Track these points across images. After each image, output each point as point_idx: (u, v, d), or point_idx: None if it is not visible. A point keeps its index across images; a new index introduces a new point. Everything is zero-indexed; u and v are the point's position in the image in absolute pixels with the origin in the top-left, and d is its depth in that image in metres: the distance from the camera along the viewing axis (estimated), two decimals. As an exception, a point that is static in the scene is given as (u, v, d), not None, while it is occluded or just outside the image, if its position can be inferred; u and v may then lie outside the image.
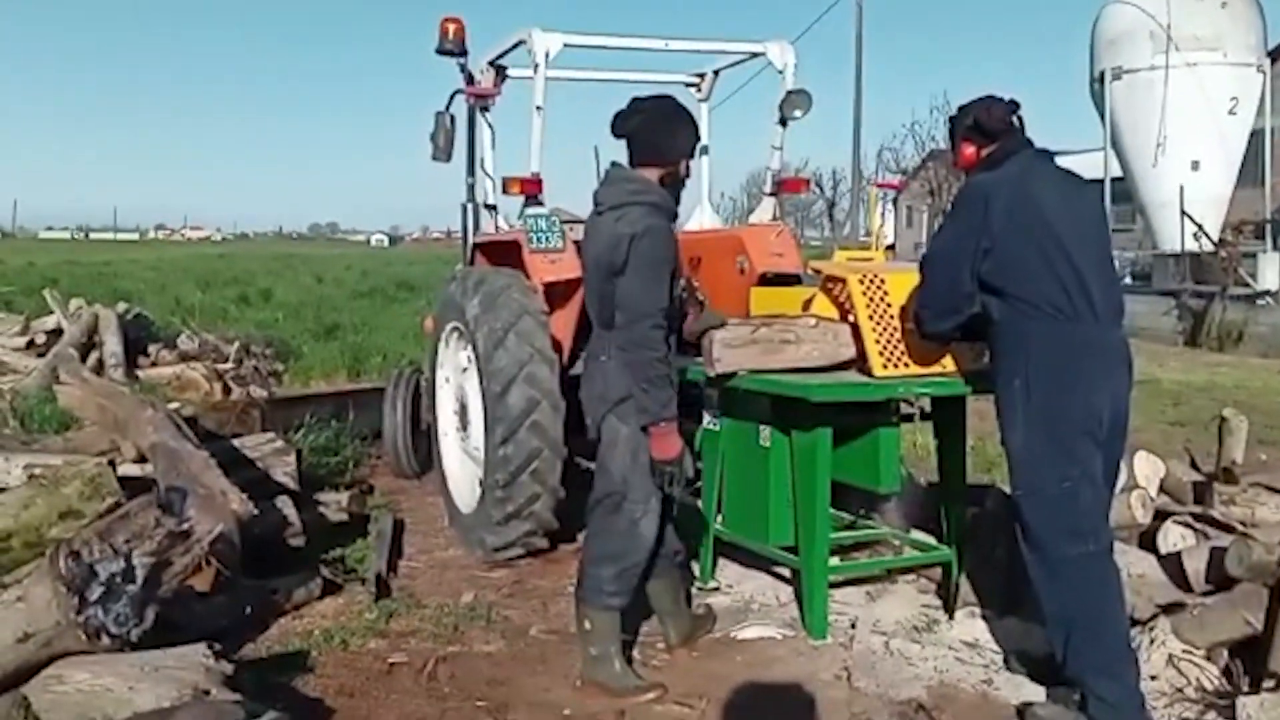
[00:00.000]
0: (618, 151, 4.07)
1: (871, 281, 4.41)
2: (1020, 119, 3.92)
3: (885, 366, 4.28)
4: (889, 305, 4.36)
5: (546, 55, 5.52)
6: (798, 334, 4.38)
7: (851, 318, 4.42)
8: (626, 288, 3.81)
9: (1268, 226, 19.11)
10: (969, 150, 3.94)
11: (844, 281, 4.47)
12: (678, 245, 4.02)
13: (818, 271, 4.77)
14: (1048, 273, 3.61)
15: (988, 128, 3.88)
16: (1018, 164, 3.79)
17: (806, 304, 4.66)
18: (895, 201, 49.25)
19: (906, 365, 4.30)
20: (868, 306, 4.35)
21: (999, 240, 3.65)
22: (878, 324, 4.33)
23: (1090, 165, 19.95)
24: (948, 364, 4.35)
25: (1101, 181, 19.02)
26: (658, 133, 3.98)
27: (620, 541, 4.00)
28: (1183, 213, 18.25)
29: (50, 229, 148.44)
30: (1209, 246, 17.98)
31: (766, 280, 5.55)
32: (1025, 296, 3.64)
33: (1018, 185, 3.72)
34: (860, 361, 4.38)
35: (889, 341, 4.31)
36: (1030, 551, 3.69)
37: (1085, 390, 3.60)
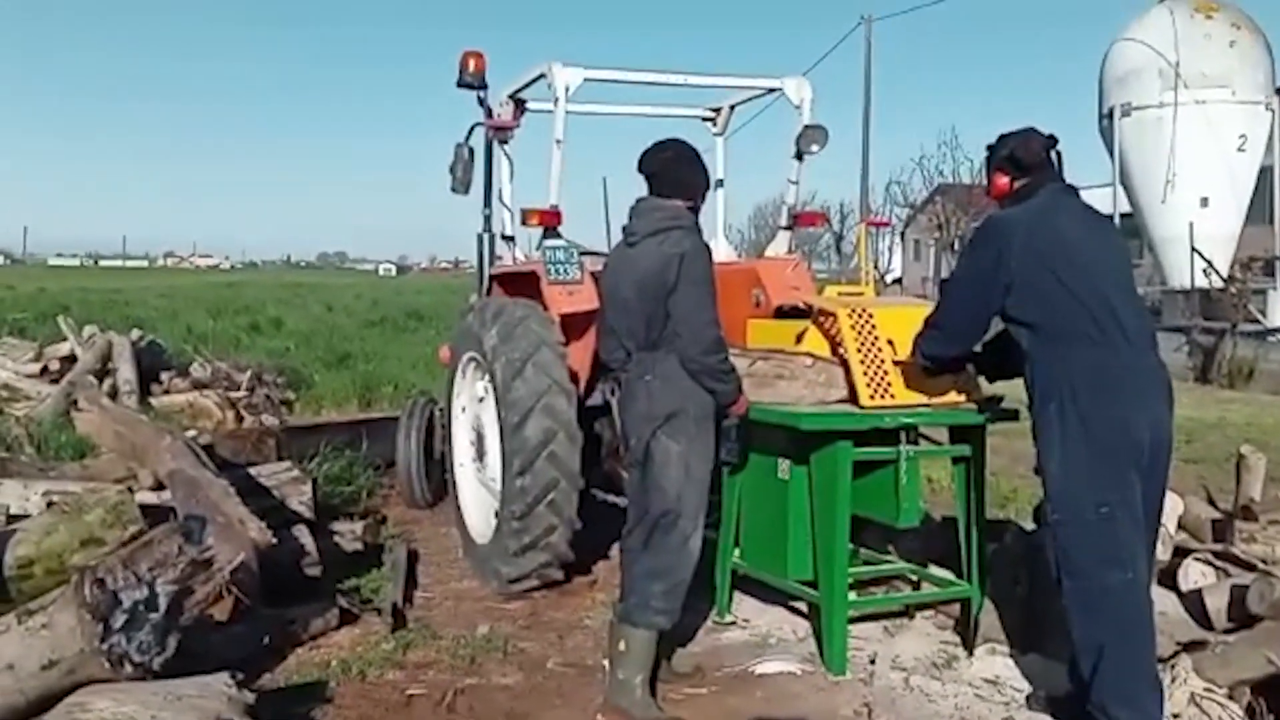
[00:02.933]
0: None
1: (860, 315, 4.55)
2: (1058, 154, 3.94)
3: (872, 397, 4.40)
4: (877, 339, 4.50)
5: (567, 89, 5.58)
6: (792, 371, 4.53)
7: (841, 350, 4.55)
8: (685, 304, 3.98)
9: (1277, 263, 19.15)
10: (1002, 181, 3.97)
11: (834, 315, 4.61)
12: None
13: (809, 305, 4.89)
14: (1074, 302, 3.63)
15: (1023, 161, 3.90)
16: (1042, 198, 3.83)
17: (799, 337, 4.76)
18: (903, 235, 49.34)
19: (893, 397, 4.43)
20: (856, 339, 4.49)
21: (1019, 275, 3.69)
22: (866, 356, 4.47)
23: (1099, 201, 20.12)
24: (933, 396, 4.46)
25: (1110, 217, 19.11)
26: (683, 169, 4.22)
27: (671, 558, 4.04)
28: (1192, 249, 18.32)
29: (60, 256, 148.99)
30: (1219, 283, 18.00)
31: (782, 313, 5.58)
32: (1055, 326, 3.66)
33: (1039, 218, 3.75)
34: (849, 395, 4.49)
35: (876, 373, 4.45)
36: (1068, 579, 3.66)
37: (1122, 414, 3.59)
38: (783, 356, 4.61)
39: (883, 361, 4.46)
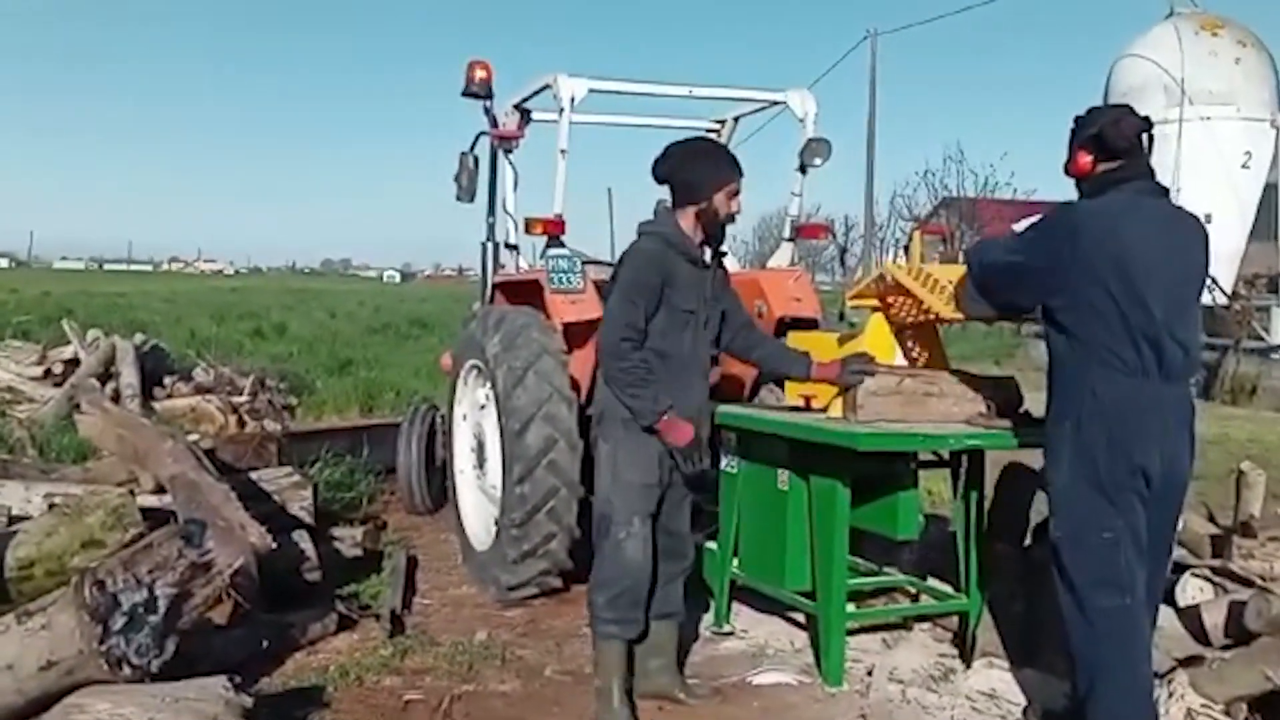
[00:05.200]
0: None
1: (916, 271, 4.49)
2: (1151, 138, 3.66)
3: (949, 306, 4.29)
4: (937, 280, 4.36)
5: (572, 100, 5.61)
6: (941, 387, 4.45)
7: (919, 313, 4.53)
8: (607, 306, 4.03)
9: (1280, 280, 19.11)
10: (1084, 160, 3.65)
11: (893, 276, 4.55)
12: (675, 273, 4.02)
13: (880, 281, 4.75)
14: (1120, 323, 3.46)
15: (1111, 145, 3.59)
16: (1122, 196, 3.56)
17: (842, 341, 4.73)
18: (906, 249, 49.31)
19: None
20: (916, 279, 4.42)
21: (1075, 279, 3.49)
22: (932, 289, 4.34)
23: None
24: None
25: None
26: (685, 173, 4.12)
27: (608, 566, 4.02)
28: (1196, 265, 18.26)
29: (65, 259, 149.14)
30: (1222, 300, 17.97)
31: (784, 324, 5.59)
32: (1093, 343, 3.50)
33: (1112, 224, 3.50)
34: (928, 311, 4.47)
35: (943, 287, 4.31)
36: (1065, 595, 3.61)
37: (1132, 447, 3.49)
38: (930, 373, 4.53)
39: (950, 281, 4.29)
